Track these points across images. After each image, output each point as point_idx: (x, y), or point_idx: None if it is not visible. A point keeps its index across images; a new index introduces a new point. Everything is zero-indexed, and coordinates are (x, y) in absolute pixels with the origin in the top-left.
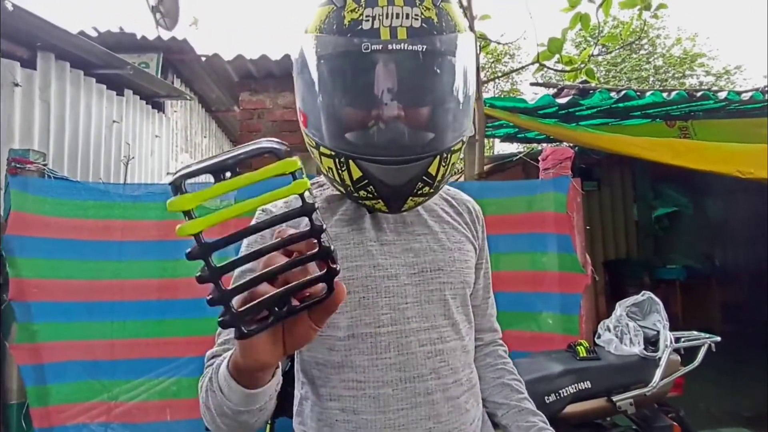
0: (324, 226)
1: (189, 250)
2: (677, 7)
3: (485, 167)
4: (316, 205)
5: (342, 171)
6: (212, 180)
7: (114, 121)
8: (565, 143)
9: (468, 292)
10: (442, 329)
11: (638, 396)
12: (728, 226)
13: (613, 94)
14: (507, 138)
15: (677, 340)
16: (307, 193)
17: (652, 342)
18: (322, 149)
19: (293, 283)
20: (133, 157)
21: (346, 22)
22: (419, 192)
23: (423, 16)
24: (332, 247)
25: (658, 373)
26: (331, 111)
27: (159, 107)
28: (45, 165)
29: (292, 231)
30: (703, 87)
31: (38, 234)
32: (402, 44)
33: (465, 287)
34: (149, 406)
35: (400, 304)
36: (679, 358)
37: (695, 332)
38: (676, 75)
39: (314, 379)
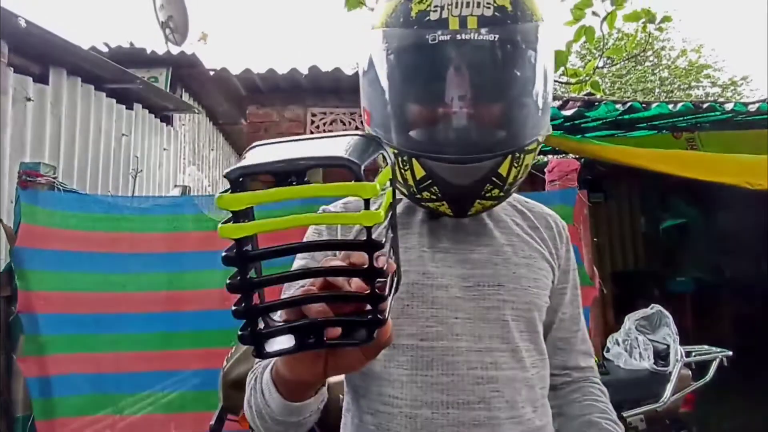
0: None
1: (225, 253)
2: (682, 19)
3: None
4: (383, 241)
5: (405, 170)
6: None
7: (123, 135)
8: (570, 155)
9: (537, 316)
10: (498, 354)
11: (649, 412)
12: (738, 238)
13: (618, 106)
14: None
15: (688, 354)
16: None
17: (662, 356)
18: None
19: (327, 318)
20: (141, 170)
21: (413, 13)
22: (487, 194)
23: (496, 4)
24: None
25: (669, 388)
26: (395, 107)
27: (167, 120)
28: (55, 178)
29: (338, 262)
30: (709, 98)
31: (47, 246)
32: (472, 34)
33: (532, 309)
34: (154, 420)
35: (449, 318)
36: (690, 372)
37: (706, 346)
38: (682, 86)
39: (356, 388)
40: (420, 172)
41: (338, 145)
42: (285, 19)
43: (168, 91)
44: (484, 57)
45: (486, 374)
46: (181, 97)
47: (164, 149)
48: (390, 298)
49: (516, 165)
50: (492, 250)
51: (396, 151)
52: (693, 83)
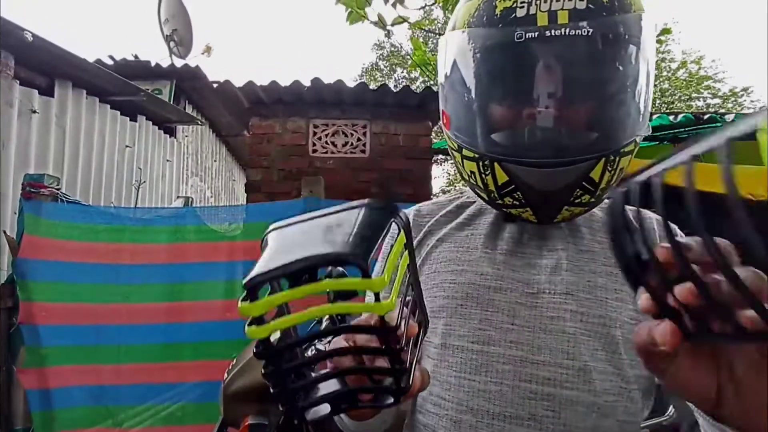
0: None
1: (256, 349)
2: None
3: None
4: (396, 323)
5: (486, 175)
6: None
7: (126, 146)
8: None
9: (619, 334)
10: (561, 370)
11: (654, 426)
12: (743, 250)
13: None
14: None
15: None
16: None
17: None
18: (464, 152)
19: (360, 386)
20: (144, 181)
21: (497, 11)
22: (577, 201)
23: None
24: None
25: (675, 401)
26: (477, 109)
27: (171, 132)
28: (59, 189)
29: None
30: (710, 109)
31: (50, 257)
32: (562, 29)
33: (609, 325)
34: None
35: (505, 323)
36: None
37: None
38: (683, 98)
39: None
40: (502, 177)
41: (346, 228)
42: (287, 33)
43: (171, 103)
44: (576, 53)
45: (540, 389)
46: (184, 109)
47: (167, 160)
48: (414, 362)
49: (610, 169)
50: (564, 255)
51: (477, 155)
52: (693, 95)
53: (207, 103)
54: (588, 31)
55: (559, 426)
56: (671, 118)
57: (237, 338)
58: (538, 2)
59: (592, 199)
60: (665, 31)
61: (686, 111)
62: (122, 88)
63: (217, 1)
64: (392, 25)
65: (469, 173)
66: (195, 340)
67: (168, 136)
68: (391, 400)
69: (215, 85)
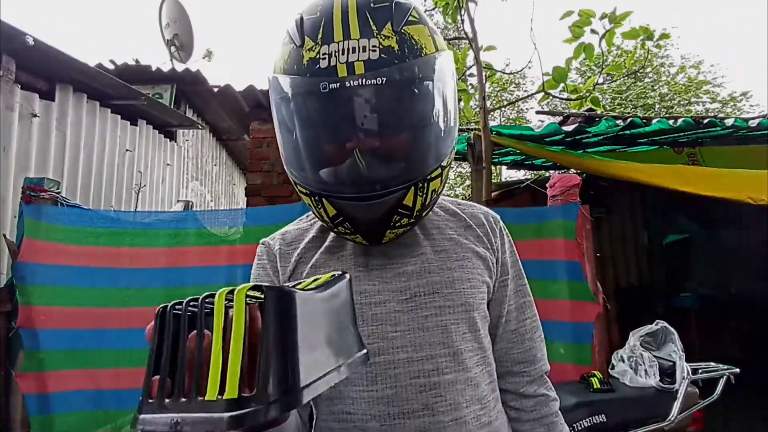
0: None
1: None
2: (681, 36)
3: (492, 194)
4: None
5: (319, 208)
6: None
7: (127, 150)
8: (572, 170)
9: (477, 315)
10: (439, 360)
11: (656, 431)
12: (743, 254)
13: (619, 121)
14: (514, 165)
15: (694, 371)
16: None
17: (668, 373)
18: (299, 187)
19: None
20: (144, 185)
21: (305, 61)
22: (397, 224)
23: (381, 46)
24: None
25: (676, 406)
26: (299, 150)
27: (171, 136)
28: (59, 193)
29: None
30: (709, 114)
31: (49, 261)
32: (360, 79)
33: (470, 310)
34: None
35: (389, 332)
36: (697, 390)
37: (713, 363)
38: (682, 102)
39: (314, 413)
40: (331, 210)
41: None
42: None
43: (172, 107)
44: (375, 100)
45: (428, 381)
46: (185, 113)
47: (167, 164)
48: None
49: (421, 194)
50: (424, 259)
51: (308, 191)
52: (693, 99)
53: (207, 107)
54: (381, 80)
55: (447, 407)
56: (671, 122)
57: None
58: (337, 54)
59: (411, 220)
60: (664, 36)
61: (686, 116)
62: (123, 92)
63: (218, 5)
64: None
65: (309, 204)
66: None
67: (168, 140)
68: None
69: (216, 90)
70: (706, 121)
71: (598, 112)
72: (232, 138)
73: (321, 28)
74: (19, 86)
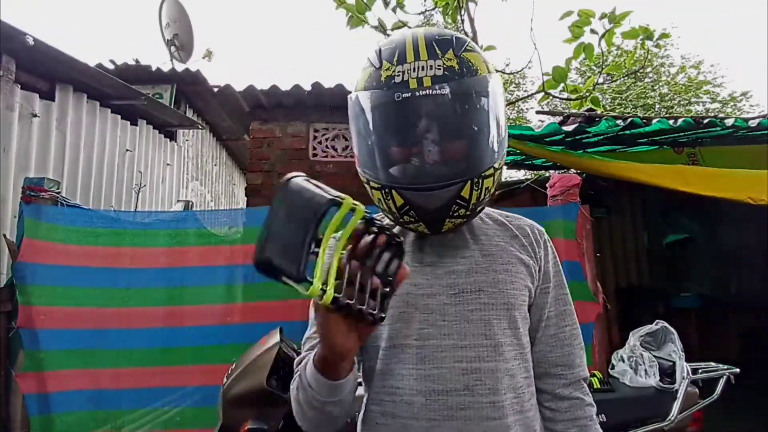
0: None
1: (329, 309)
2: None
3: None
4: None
5: (388, 200)
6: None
7: (127, 150)
8: (572, 170)
9: (518, 314)
10: (481, 349)
11: (656, 431)
12: (743, 253)
13: (619, 121)
14: (514, 165)
15: (694, 371)
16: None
17: (668, 373)
18: (371, 183)
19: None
20: (144, 185)
21: (382, 78)
22: (455, 214)
23: (445, 66)
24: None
25: (676, 406)
26: (376, 151)
27: (171, 136)
28: (59, 193)
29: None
30: (709, 114)
31: (49, 261)
32: (427, 90)
33: (511, 309)
34: None
35: (438, 321)
36: (697, 390)
37: (713, 363)
38: (682, 102)
39: (367, 385)
40: (399, 201)
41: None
42: (288, 37)
43: (172, 107)
44: (439, 106)
45: (470, 366)
46: (185, 113)
47: (167, 164)
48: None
49: (476, 189)
50: (473, 261)
51: (379, 185)
52: (693, 99)
53: (207, 107)
54: (445, 91)
55: (485, 390)
56: (671, 122)
57: (236, 342)
58: (409, 72)
59: (467, 212)
60: (663, 35)
61: (686, 116)
62: (123, 92)
63: (218, 5)
64: (392, 29)
65: (378, 200)
66: (194, 344)
67: (168, 140)
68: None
69: (216, 90)
70: (706, 121)
71: (598, 112)
72: (232, 138)
73: (396, 54)
74: (19, 86)
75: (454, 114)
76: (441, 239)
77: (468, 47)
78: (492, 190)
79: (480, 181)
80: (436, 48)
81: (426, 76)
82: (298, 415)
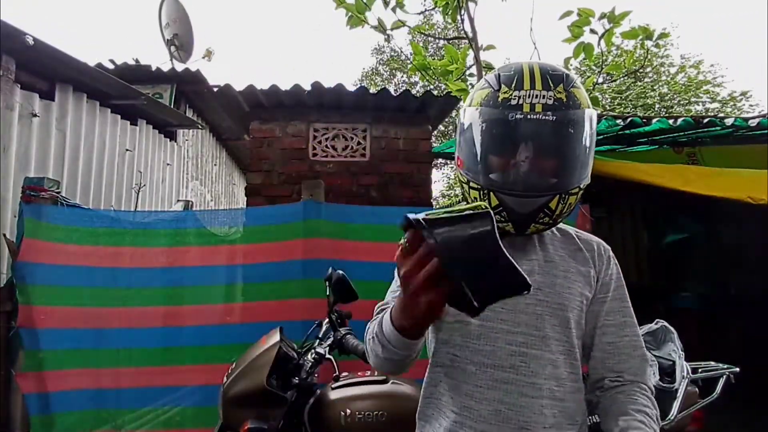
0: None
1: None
2: (681, 36)
3: None
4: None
5: (484, 200)
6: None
7: (127, 150)
8: None
9: (570, 315)
10: (530, 337)
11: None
12: (743, 253)
13: (619, 121)
14: None
15: (694, 370)
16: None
17: (667, 373)
18: (471, 184)
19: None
20: (144, 185)
21: (500, 99)
22: (540, 221)
23: (555, 97)
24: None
25: (676, 405)
26: (483, 158)
27: (171, 136)
28: (59, 192)
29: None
30: (709, 113)
31: (49, 261)
32: (537, 115)
33: (564, 309)
34: None
35: (497, 307)
36: (697, 390)
37: (713, 363)
38: (682, 102)
39: (432, 350)
40: (495, 202)
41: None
42: (288, 37)
43: (172, 107)
44: (544, 130)
45: (517, 349)
46: (185, 112)
47: (167, 164)
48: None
49: (562, 202)
50: (535, 264)
51: (479, 186)
52: (693, 99)
53: (207, 107)
54: (553, 118)
55: (528, 371)
56: (671, 122)
57: (236, 342)
58: (524, 97)
59: (550, 221)
60: (663, 35)
61: (686, 115)
62: (123, 91)
63: (218, 5)
64: (392, 29)
65: (473, 198)
66: (194, 343)
67: (168, 139)
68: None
69: (216, 89)
70: (706, 120)
71: (598, 112)
72: (232, 138)
73: (514, 80)
74: (19, 86)
75: (555, 138)
76: (512, 242)
77: (575, 84)
78: (573, 206)
79: (566, 196)
80: (550, 81)
81: (539, 103)
82: (371, 358)
